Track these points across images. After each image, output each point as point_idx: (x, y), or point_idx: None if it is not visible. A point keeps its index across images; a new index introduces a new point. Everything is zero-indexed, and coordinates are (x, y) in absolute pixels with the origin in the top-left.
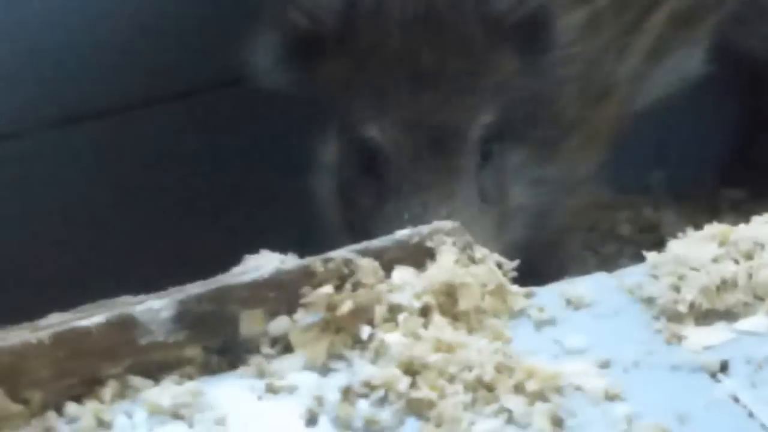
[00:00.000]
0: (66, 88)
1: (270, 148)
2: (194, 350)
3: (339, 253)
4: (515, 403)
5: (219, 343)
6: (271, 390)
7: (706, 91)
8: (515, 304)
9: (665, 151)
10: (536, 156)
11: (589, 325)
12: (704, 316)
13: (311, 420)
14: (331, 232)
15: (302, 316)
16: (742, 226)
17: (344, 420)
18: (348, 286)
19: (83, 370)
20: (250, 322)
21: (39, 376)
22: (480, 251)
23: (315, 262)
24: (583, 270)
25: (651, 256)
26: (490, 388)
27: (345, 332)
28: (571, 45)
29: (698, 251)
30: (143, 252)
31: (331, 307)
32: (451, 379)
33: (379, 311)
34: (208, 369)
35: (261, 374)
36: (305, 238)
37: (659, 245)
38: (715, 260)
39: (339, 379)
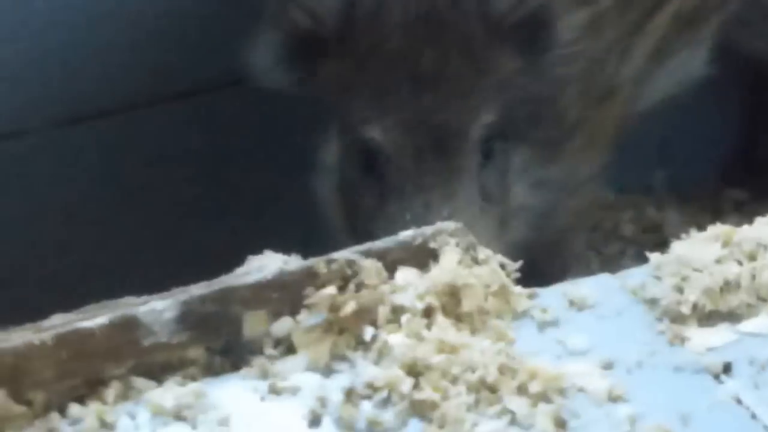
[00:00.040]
0: (70, 88)
1: (274, 148)
2: (197, 351)
3: (342, 254)
4: (518, 404)
5: (222, 344)
6: (274, 391)
7: (710, 92)
8: (518, 305)
9: (668, 151)
10: (539, 156)
11: (592, 326)
12: (707, 317)
13: (314, 421)
14: (333, 232)
15: (305, 317)
16: (745, 227)
17: (347, 421)
18: (351, 287)
19: (86, 371)
20: (253, 323)
21: (42, 377)
22: (483, 252)
23: (318, 263)
24: (586, 270)
25: (654, 256)
26: (493, 389)
27: (348, 333)
28: (572, 45)
29: (701, 252)
30: (146, 252)
31: (334, 308)
32: (454, 380)
33: (382, 312)
34: (211, 370)
35: (264, 375)
36: (308, 239)
37: (662, 246)
38: (718, 261)
39: (342, 380)
